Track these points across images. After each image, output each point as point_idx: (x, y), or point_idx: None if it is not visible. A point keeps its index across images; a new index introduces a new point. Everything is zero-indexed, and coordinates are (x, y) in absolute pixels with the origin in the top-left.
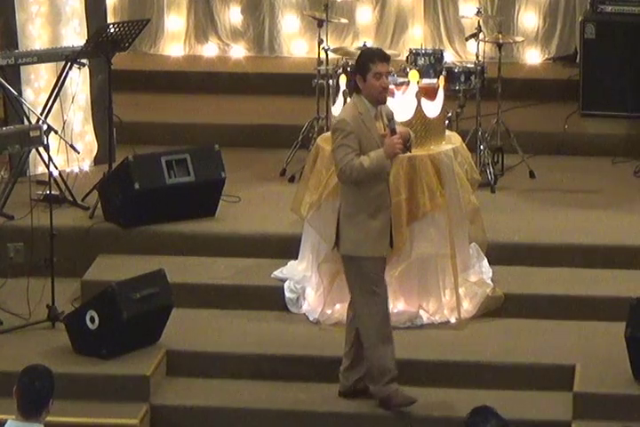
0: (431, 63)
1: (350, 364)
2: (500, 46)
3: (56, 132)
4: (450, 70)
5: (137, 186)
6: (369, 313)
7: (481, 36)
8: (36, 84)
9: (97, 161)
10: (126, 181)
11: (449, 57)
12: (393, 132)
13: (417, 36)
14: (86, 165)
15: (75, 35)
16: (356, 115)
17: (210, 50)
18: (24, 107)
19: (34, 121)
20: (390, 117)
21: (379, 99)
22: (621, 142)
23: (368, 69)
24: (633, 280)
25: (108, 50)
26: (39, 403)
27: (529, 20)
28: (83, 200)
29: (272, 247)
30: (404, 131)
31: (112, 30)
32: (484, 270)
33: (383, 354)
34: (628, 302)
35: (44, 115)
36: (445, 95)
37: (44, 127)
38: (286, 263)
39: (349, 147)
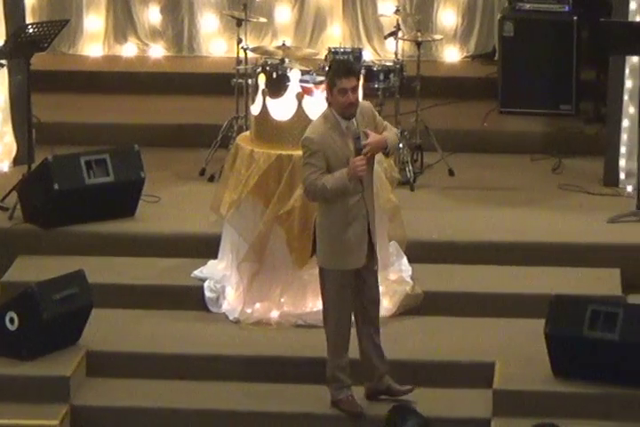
0: None
1: (362, 365)
2: (418, 44)
3: None
4: (369, 69)
5: (56, 186)
6: (333, 321)
7: (400, 34)
8: None
9: (16, 162)
10: (46, 182)
11: (368, 55)
12: (357, 152)
13: (336, 34)
14: (5, 165)
15: None
16: (325, 130)
17: (129, 50)
18: None
19: None
20: (356, 136)
21: (345, 114)
22: (540, 140)
23: (334, 84)
24: (551, 277)
25: (27, 50)
26: None
27: (447, 18)
28: (2, 201)
29: (192, 247)
30: (379, 139)
31: (31, 30)
32: (403, 268)
33: (336, 364)
34: (547, 299)
35: None
36: (364, 93)
37: None
38: (206, 263)
39: (314, 166)
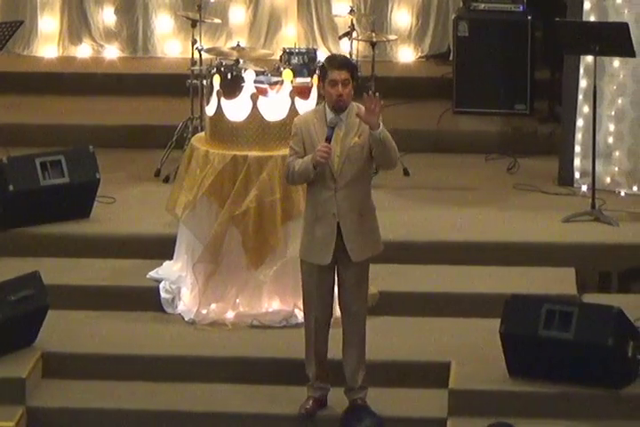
0: (305, 62)
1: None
2: (373, 45)
3: None
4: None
5: (11, 188)
6: (305, 314)
7: (354, 34)
8: None
9: None
10: (0, 183)
11: (322, 56)
12: (327, 139)
13: (290, 35)
14: None
15: None
16: (310, 117)
17: (84, 51)
18: None
19: None
20: (333, 125)
21: (335, 106)
22: (494, 139)
23: (325, 77)
24: (507, 277)
25: None
26: None
27: (402, 18)
28: None
29: (147, 248)
30: (377, 114)
31: None
32: None
33: (307, 361)
34: (502, 299)
35: None
36: (319, 94)
37: None
38: (162, 264)
39: (292, 149)
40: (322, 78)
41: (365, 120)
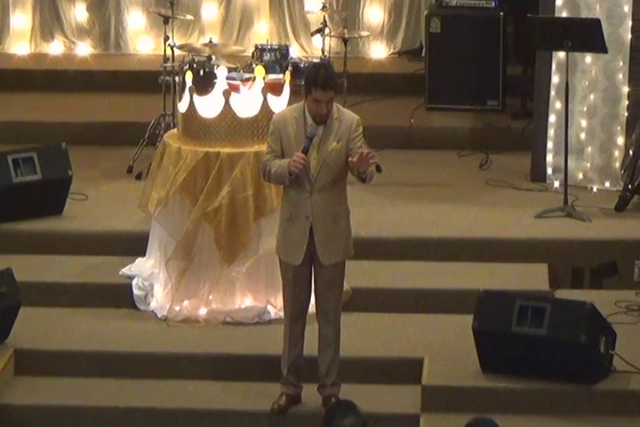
0: (277, 59)
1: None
2: (345, 41)
3: None
4: (296, 66)
5: None
6: (284, 308)
7: (326, 31)
8: None
9: None
10: None
11: (294, 52)
12: (304, 150)
13: (263, 31)
14: None
15: None
16: (289, 115)
17: (56, 48)
18: None
19: None
20: (311, 136)
21: (314, 119)
22: (467, 135)
23: (309, 92)
24: (479, 273)
25: None
26: None
27: (374, 14)
28: None
29: (120, 245)
30: (369, 161)
31: None
32: None
33: (283, 357)
34: (474, 295)
35: None
36: (291, 90)
37: None
38: (134, 261)
39: (269, 146)
40: (305, 88)
41: (357, 168)
